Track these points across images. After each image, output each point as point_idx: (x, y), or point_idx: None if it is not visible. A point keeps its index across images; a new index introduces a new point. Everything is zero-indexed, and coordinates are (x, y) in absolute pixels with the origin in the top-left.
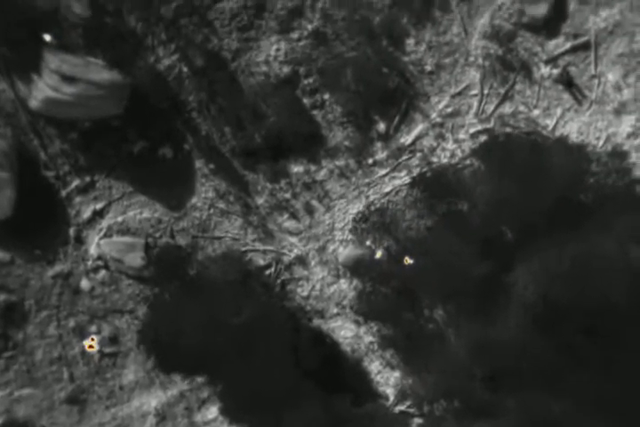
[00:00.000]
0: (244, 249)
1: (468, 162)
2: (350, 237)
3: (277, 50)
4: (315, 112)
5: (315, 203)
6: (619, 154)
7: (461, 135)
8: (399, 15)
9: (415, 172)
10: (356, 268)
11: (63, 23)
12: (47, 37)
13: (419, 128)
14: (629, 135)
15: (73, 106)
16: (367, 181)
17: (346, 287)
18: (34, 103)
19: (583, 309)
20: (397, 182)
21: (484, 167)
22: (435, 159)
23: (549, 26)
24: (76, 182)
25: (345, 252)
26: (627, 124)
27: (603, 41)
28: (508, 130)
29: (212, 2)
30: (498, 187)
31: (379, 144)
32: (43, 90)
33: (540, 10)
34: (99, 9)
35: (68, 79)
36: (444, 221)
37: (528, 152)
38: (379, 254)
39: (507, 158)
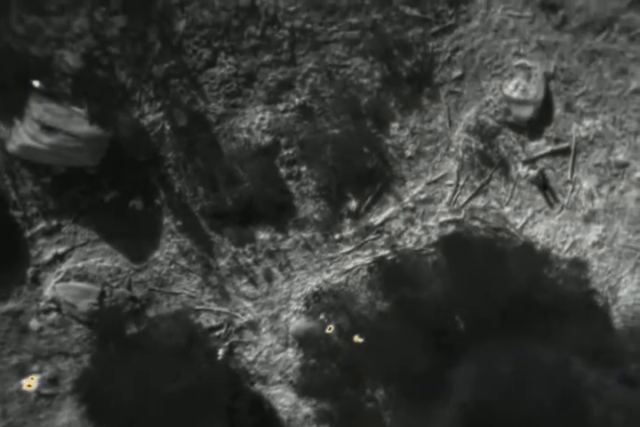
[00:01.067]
0: (198, 307)
1: (432, 250)
2: (304, 309)
3: (262, 119)
4: (290, 183)
5: (275, 271)
6: (580, 263)
7: (430, 222)
8: (387, 99)
9: (380, 252)
10: (306, 340)
11: (54, 72)
12: (36, 83)
13: (390, 210)
14: (594, 244)
15: (49, 154)
16: (331, 255)
17: (292, 357)
18: (11, 147)
19: (513, 416)
20: (360, 261)
21: (446, 258)
22: (400, 243)
23: (533, 128)
24: (42, 224)
25: (297, 323)
26: (594, 233)
27: (582, 149)
28: (477, 223)
29: (204, 66)
30: (457, 280)
31: (348, 221)
32: (21, 136)
33: (526, 111)
34: (92, 61)
35: (48, 129)
36: (398, 307)
37: (492, 249)
38: (329, 330)
39: (470, 253)
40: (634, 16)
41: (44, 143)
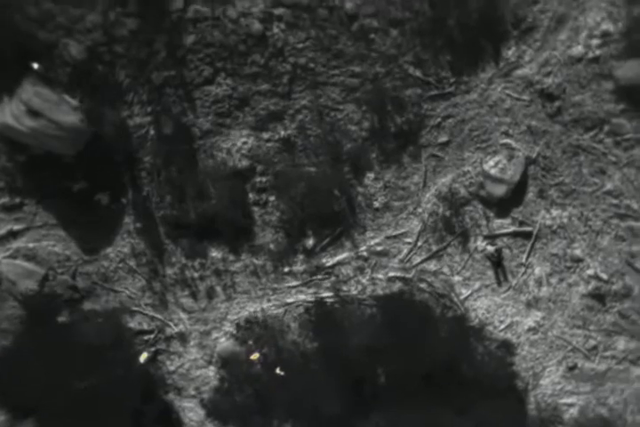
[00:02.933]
0: (134, 309)
1: (374, 302)
2: (235, 332)
3: (244, 143)
4: (255, 209)
5: (218, 289)
6: (510, 344)
7: (379, 275)
8: (370, 149)
9: (323, 293)
10: (229, 361)
11: (56, 58)
12: (35, 65)
13: (344, 255)
14: (530, 329)
15: (28, 137)
16: (275, 286)
17: (212, 375)
18: None
19: None
20: (302, 297)
21: (384, 314)
22: (345, 288)
23: (502, 206)
24: (4, 199)
25: (225, 343)
26: (532, 319)
27: (544, 236)
28: (424, 286)
29: (202, 83)
30: (388, 336)
31: (301, 257)
32: (5, 115)
33: (500, 190)
34: (95, 55)
35: (33, 113)
36: (324, 349)
37: (430, 313)
38: (254, 357)
39: (408, 313)
40: (624, 122)
41: (26, 126)
